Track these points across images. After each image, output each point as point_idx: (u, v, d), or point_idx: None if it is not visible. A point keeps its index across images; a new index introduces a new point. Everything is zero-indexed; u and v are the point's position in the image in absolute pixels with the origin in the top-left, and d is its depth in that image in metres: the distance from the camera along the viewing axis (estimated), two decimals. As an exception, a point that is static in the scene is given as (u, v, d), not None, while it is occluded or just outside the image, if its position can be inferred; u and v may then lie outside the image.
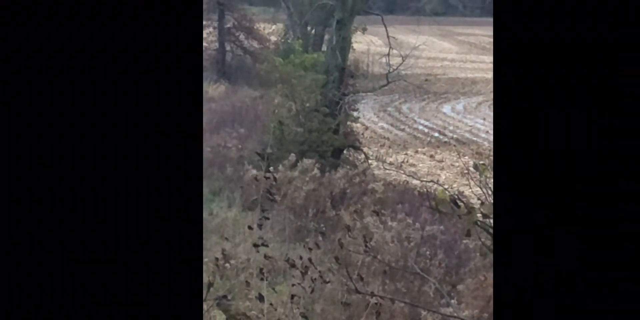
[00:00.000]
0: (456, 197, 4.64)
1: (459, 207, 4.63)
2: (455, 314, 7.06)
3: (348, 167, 18.34)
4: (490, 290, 10.34)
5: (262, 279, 7.34)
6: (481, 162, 5.15)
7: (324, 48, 30.49)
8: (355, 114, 21.97)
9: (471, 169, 5.50)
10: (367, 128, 29.26)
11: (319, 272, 7.68)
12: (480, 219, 4.67)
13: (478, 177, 5.35)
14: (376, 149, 25.92)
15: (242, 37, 37.46)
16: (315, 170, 16.34)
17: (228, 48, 37.03)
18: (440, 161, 24.60)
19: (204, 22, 32.92)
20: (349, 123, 20.82)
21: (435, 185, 6.65)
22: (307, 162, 16.60)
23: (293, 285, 7.60)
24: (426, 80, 42.07)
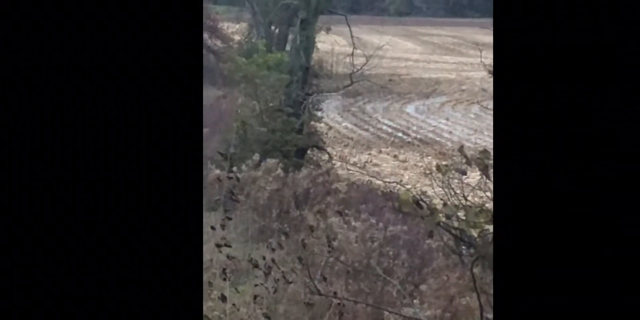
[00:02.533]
0: (419, 198, 4.64)
1: (421, 208, 4.63)
2: (417, 316, 7.07)
3: (312, 167, 18.35)
4: (452, 290, 10.39)
5: (224, 279, 7.31)
6: (444, 163, 5.16)
7: (288, 48, 30.47)
8: (319, 113, 21.98)
9: (434, 169, 5.50)
10: (330, 128, 29.28)
11: (282, 272, 7.66)
12: (443, 219, 4.67)
13: (441, 177, 5.35)
14: (340, 149, 25.96)
15: (205, 36, 37.33)
16: (279, 170, 16.31)
17: (191, 47, 36.79)
18: (404, 161, 24.69)
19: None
20: (312, 123, 20.83)
21: (399, 186, 6.66)
22: (270, 162, 16.57)
23: (256, 285, 7.58)
24: (390, 80, 42.25)
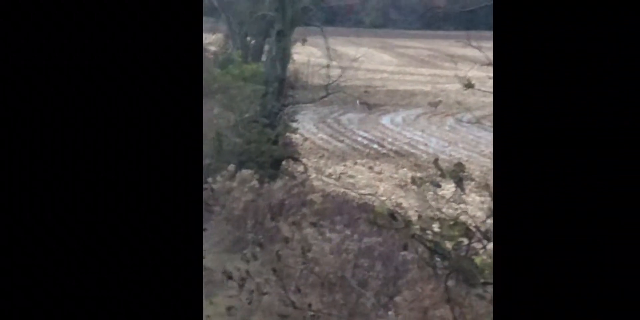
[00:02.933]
0: (394, 210, 4.65)
1: (396, 220, 4.64)
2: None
3: (287, 178, 18.31)
4: (427, 302, 10.39)
5: (199, 291, 7.26)
6: (419, 176, 5.17)
7: (264, 59, 30.47)
8: (294, 125, 21.96)
9: (409, 181, 5.52)
10: (306, 139, 29.28)
11: (257, 283, 7.64)
12: (418, 232, 4.69)
13: (416, 189, 5.37)
14: (315, 160, 25.94)
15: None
16: (254, 181, 16.27)
17: (167, 57, 36.70)
18: (379, 173, 24.71)
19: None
20: (288, 134, 20.82)
21: (374, 198, 6.67)
22: (245, 172, 16.52)
23: (230, 297, 7.56)
24: (365, 91, 42.31)
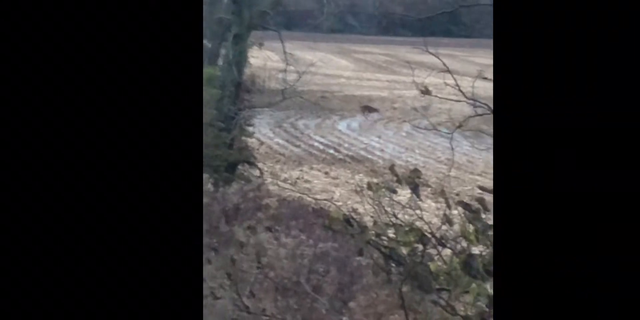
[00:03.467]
0: (350, 216, 4.64)
1: (352, 226, 4.63)
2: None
3: (242, 182, 18.24)
4: (381, 308, 10.40)
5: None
6: (375, 181, 5.17)
7: (220, 62, 30.37)
8: (250, 129, 21.90)
9: (365, 187, 5.51)
10: (262, 143, 29.21)
11: (210, 288, 7.58)
12: (373, 238, 4.67)
13: (372, 195, 5.36)
14: (271, 164, 25.89)
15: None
16: (209, 185, 16.19)
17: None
18: (335, 178, 24.73)
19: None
20: (243, 138, 20.74)
21: (329, 201, 6.66)
22: (201, 176, 16.42)
23: (184, 302, 7.47)
24: (322, 97, 42.36)
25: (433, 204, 16.60)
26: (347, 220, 4.63)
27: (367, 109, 36.19)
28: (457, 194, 21.33)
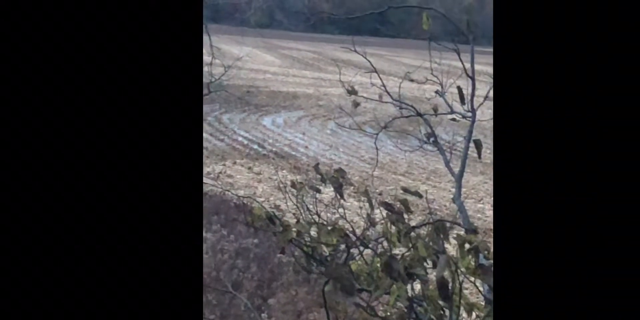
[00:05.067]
0: (272, 214, 4.62)
1: (274, 224, 4.61)
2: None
3: (164, 175, 18.05)
4: (301, 305, 10.43)
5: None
6: (299, 180, 5.17)
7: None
8: (174, 122, 21.69)
9: (289, 184, 5.51)
10: (186, 137, 28.95)
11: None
12: (295, 236, 4.67)
13: (295, 193, 5.36)
14: (194, 158, 25.67)
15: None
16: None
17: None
18: (258, 173, 24.69)
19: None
20: (167, 131, 20.54)
21: (252, 198, 6.63)
22: (122, 169, 16.20)
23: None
24: (248, 92, 42.25)
25: (355, 203, 16.68)
26: (270, 218, 4.61)
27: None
28: (380, 194, 21.50)
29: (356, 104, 7.61)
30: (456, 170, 5.90)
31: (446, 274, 3.85)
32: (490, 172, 24.62)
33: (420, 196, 4.99)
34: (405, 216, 4.48)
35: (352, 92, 6.72)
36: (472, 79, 5.85)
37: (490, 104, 4.45)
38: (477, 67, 6.21)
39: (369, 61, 7.12)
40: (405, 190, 4.92)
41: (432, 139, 6.19)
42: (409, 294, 4.06)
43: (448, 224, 4.21)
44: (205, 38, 22.10)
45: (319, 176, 5.23)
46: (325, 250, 4.69)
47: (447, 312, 4.16)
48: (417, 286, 4.27)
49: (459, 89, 6.10)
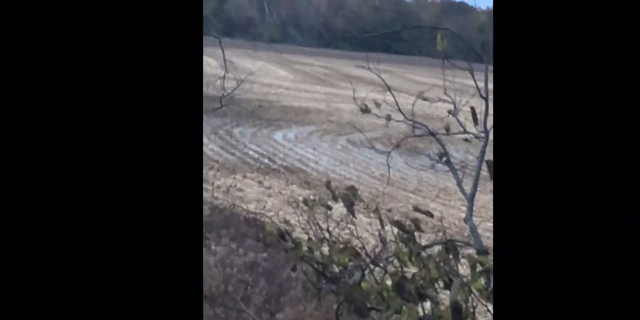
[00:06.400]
0: (284, 230, 4.64)
1: (286, 240, 4.63)
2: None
3: (175, 188, 18.05)
4: (309, 321, 10.39)
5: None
6: (311, 198, 5.18)
7: (160, 66, 30.08)
8: (186, 135, 21.71)
9: (300, 200, 5.52)
10: (197, 150, 28.98)
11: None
12: (307, 253, 4.68)
13: (307, 210, 5.37)
14: (204, 171, 25.73)
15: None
16: (141, 191, 16.00)
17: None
18: (268, 188, 24.69)
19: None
20: (179, 144, 20.56)
21: (263, 214, 6.65)
22: (133, 181, 16.22)
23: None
24: (260, 106, 42.32)
25: (364, 219, 16.67)
26: (282, 235, 4.63)
27: None
28: (390, 210, 21.48)
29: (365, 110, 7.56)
30: (467, 189, 5.90)
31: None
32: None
33: (432, 216, 5.00)
34: (416, 234, 4.49)
35: (365, 110, 6.74)
36: (486, 99, 5.86)
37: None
38: (490, 86, 6.22)
39: (382, 79, 7.15)
40: (417, 209, 4.93)
41: (444, 159, 6.20)
42: (420, 314, 4.05)
43: (459, 244, 4.21)
44: (218, 51, 22.17)
45: (329, 193, 5.24)
46: (336, 269, 4.70)
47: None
48: (427, 305, 4.27)
49: (473, 109, 6.11)
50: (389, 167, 8.26)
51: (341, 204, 5.25)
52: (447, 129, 6.69)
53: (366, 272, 4.65)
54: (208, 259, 12.50)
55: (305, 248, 4.66)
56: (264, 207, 21.40)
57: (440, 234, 5.12)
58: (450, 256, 4.11)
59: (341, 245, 4.52)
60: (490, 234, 21.52)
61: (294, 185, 24.93)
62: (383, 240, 4.75)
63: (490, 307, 4.20)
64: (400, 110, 6.88)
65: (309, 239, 4.86)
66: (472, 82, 6.07)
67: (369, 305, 4.20)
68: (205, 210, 16.54)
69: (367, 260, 4.48)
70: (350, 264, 4.54)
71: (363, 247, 4.74)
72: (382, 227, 4.98)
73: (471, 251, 4.35)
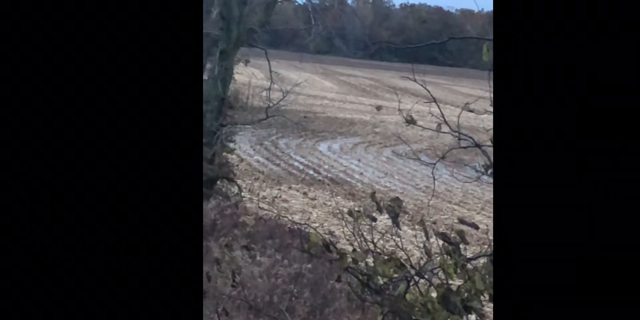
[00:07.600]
0: (329, 241, 4.65)
1: (330, 251, 4.64)
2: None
3: (220, 198, 18.17)
4: (353, 332, 10.38)
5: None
6: (356, 209, 5.20)
7: (205, 77, 30.34)
8: (231, 145, 21.86)
9: (345, 211, 5.53)
10: (242, 160, 29.20)
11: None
12: (351, 264, 4.69)
13: (352, 221, 5.37)
14: (250, 182, 25.86)
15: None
16: (187, 200, 16.11)
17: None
18: (313, 199, 24.73)
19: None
20: (224, 154, 20.70)
21: (308, 225, 6.67)
22: (179, 191, 16.33)
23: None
24: (305, 117, 42.44)
25: (409, 231, 16.63)
26: (327, 246, 4.64)
27: None
28: (434, 222, 21.39)
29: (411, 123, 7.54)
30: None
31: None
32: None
33: (477, 228, 4.98)
34: (462, 246, 4.48)
35: (411, 122, 6.74)
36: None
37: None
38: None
39: (428, 91, 7.14)
40: (462, 221, 4.93)
41: (490, 171, 6.18)
42: (465, 327, 4.04)
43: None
44: (264, 63, 22.31)
45: (374, 204, 5.25)
46: (381, 280, 4.70)
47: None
48: (472, 317, 4.26)
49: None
50: (434, 178, 8.23)
51: (386, 215, 5.25)
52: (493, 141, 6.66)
53: (411, 283, 4.64)
54: (253, 269, 12.55)
55: (350, 259, 4.67)
56: (309, 218, 21.42)
57: (486, 246, 5.10)
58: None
59: (386, 257, 4.52)
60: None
61: (338, 197, 24.94)
62: (428, 252, 4.74)
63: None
64: (446, 121, 6.87)
65: (354, 250, 4.87)
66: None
67: (413, 317, 4.20)
68: (250, 220, 16.62)
69: (412, 272, 4.48)
70: (395, 275, 4.54)
71: (408, 259, 4.73)
72: (427, 238, 4.97)
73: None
